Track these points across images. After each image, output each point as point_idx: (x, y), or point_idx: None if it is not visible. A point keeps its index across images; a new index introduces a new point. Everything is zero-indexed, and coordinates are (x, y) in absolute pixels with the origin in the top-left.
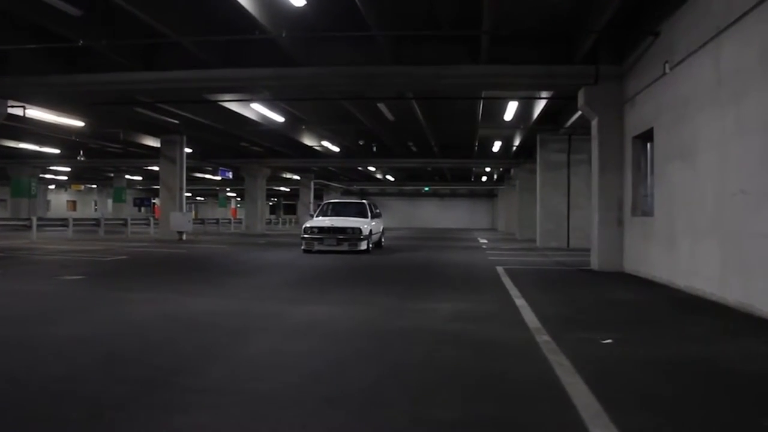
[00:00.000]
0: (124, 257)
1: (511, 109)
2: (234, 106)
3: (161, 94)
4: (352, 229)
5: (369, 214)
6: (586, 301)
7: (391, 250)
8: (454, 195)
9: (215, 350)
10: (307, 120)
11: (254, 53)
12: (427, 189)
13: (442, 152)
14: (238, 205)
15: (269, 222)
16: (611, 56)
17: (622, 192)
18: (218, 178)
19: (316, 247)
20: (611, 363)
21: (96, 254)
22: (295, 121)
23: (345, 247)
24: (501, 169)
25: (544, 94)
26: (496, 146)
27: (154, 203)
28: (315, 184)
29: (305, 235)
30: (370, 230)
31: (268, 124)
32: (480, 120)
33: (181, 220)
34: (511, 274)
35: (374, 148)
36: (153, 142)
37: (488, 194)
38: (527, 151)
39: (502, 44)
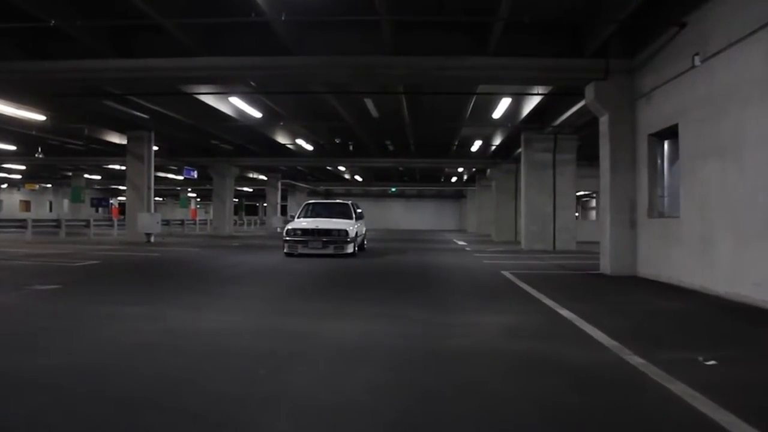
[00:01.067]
0: (95, 262)
1: (502, 106)
2: (211, 100)
3: (136, 85)
4: (338, 231)
5: (353, 215)
6: (634, 311)
7: (375, 253)
8: (420, 196)
9: (258, 389)
10: (285, 116)
11: (243, 39)
12: (393, 190)
13: (419, 152)
14: (198, 206)
15: (234, 223)
16: (622, 50)
17: (635, 192)
18: (180, 177)
19: (300, 250)
20: (746, 391)
21: (64, 259)
22: (272, 117)
23: (330, 250)
24: (474, 169)
25: (540, 89)
26: (476, 146)
27: (112, 204)
28: (281, 184)
29: (288, 238)
30: (356, 232)
31: (244, 120)
32: (467, 117)
33: (149, 221)
34: (525, 279)
35: (351, 147)
36: (118, 139)
37: (455, 195)
38: (505, 151)
39: (509, 35)
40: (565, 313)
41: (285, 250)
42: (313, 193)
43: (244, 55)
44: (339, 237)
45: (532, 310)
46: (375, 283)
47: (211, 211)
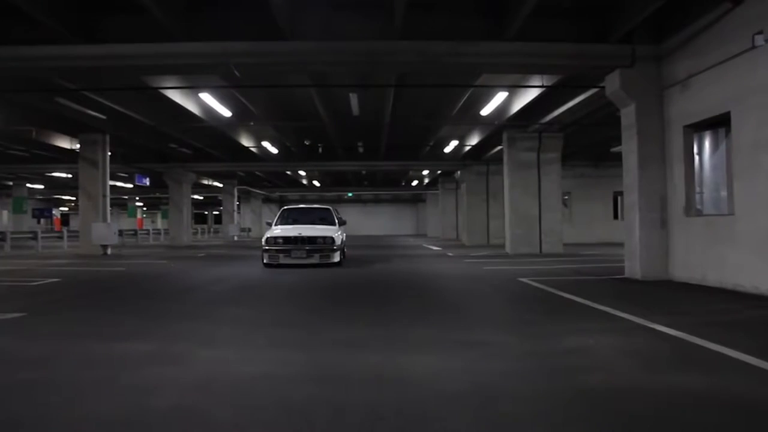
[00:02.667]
0: (56, 280)
1: (495, 102)
2: (178, 97)
3: (98, 77)
4: (323, 238)
5: (336, 221)
6: (741, 322)
7: (358, 262)
8: (377, 201)
9: None
10: (257, 115)
11: (229, 21)
12: (350, 194)
13: (388, 154)
14: (144, 215)
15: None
16: (648, 35)
17: (666, 189)
18: (129, 185)
19: (282, 260)
20: None
21: (16, 277)
22: (242, 117)
23: (316, 259)
24: (439, 172)
25: (545, 81)
26: (451, 146)
27: (54, 215)
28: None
29: (268, 247)
30: (342, 240)
31: (211, 120)
32: (454, 114)
33: (105, 231)
34: (557, 287)
35: (320, 149)
36: (68, 143)
37: (412, 200)
38: (477, 153)
39: (529, 19)
40: (664, 329)
41: (265, 261)
42: (267, 200)
43: (229, 39)
44: (325, 245)
45: (618, 327)
46: (395, 298)
47: (158, 221)
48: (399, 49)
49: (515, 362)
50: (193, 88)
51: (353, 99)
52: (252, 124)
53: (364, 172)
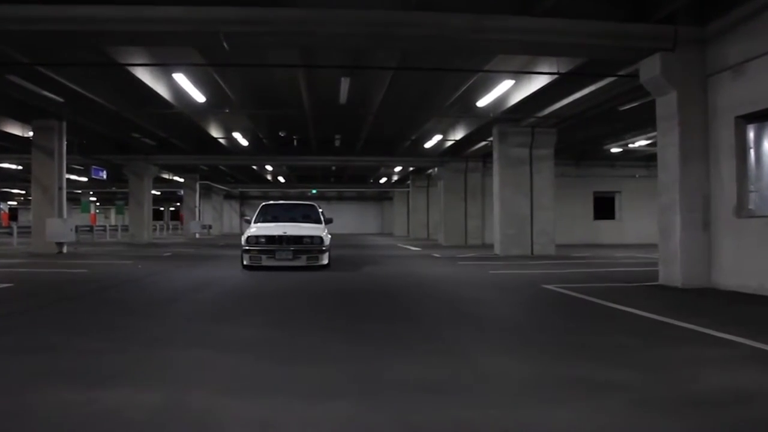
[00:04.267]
0: (7, 285)
1: (498, 91)
2: (148, 77)
3: (55, 49)
4: (311, 238)
5: (322, 219)
6: None
7: (344, 264)
8: (341, 198)
9: None
10: (233, 101)
11: None
12: (314, 191)
13: (366, 148)
14: (98, 211)
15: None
16: (692, 16)
17: (710, 187)
18: (83, 179)
19: (265, 262)
20: None
21: None
22: (217, 103)
23: (302, 261)
24: (411, 169)
25: (561, 68)
26: (433, 141)
27: (2, 209)
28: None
29: (249, 247)
30: (329, 240)
31: (180, 107)
32: (448, 105)
33: (61, 228)
34: (603, 296)
35: (295, 142)
36: (19, 130)
37: (377, 197)
38: (455, 149)
39: None
40: None
41: (245, 262)
42: (228, 197)
43: (221, 3)
44: (312, 246)
45: (741, 354)
46: (417, 311)
47: (112, 216)
48: (415, 20)
49: (680, 419)
50: (166, 65)
51: (344, 84)
52: (227, 111)
53: (334, 168)
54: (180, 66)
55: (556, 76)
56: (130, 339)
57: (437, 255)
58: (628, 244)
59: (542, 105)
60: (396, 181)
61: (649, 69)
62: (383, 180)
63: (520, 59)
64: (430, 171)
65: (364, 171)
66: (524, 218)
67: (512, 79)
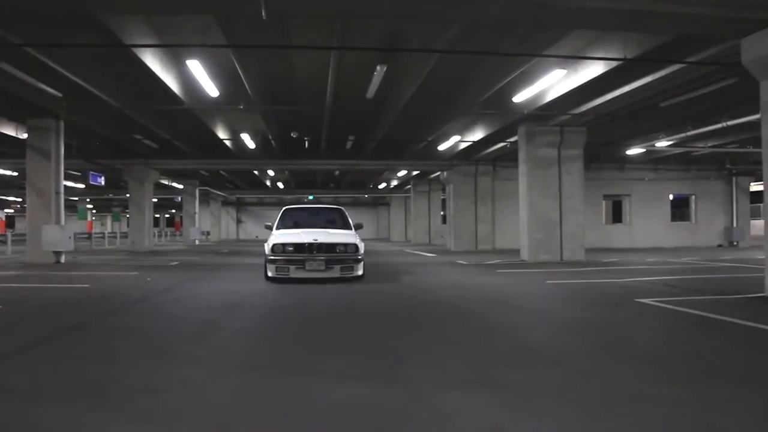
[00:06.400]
0: None
1: (544, 83)
2: (157, 66)
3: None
4: (345, 246)
5: (351, 225)
6: None
7: (371, 273)
8: (337, 204)
9: None
10: (250, 94)
11: None
12: (311, 197)
13: (376, 152)
14: (94, 218)
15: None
16: None
17: None
18: (81, 186)
19: (293, 273)
20: None
21: None
22: (231, 98)
23: (336, 272)
24: (414, 173)
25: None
26: (450, 142)
27: None
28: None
29: (274, 257)
30: (363, 248)
31: (190, 103)
32: (482, 100)
33: (59, 235)
34: (729, 313)
35: (306, 144)
36: (12, 131)
37: (373, 203)
38: (466, 152)
39: None
40: None
41: (270, 274)
42: (226, 203)
43: None
44: (347, 255)
45: None
46: (535, 346)
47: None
48: None
49: None
50: (181, 47)
51: (378, 74)
52: (240, 107)
53: (338, 172)
54: (195, 52)
55: (608, 67)
56: (164, 407)
57: (463, 262)
58: (639, 248)
59: (582, 100)
60: (394, 186)
61: (757, 47)
62: (382, 185)
63: (573, 45)
64: (434, 175)
65: (367, 176)
66: (553, 222)
67: (563, 68)
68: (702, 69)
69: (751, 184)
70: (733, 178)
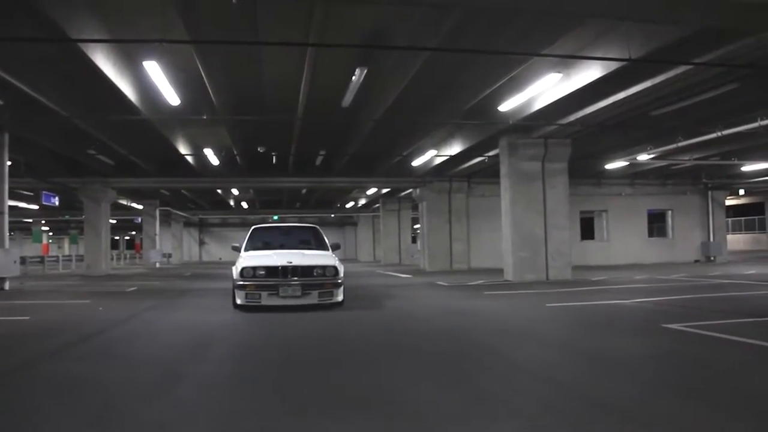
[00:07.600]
0: None
1: (538, 87)
2: (110, 70)
3: None
4: (323, 268)
5: (327, 245)
6: None
7: (355, 300)
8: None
9: None
10: (214, 104)
11: None
12: (276, 218)
13: (347, 168)
14: (50, 241)
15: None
16: None
17: None
18: (34, 207)
19: (265, 300)
20: None
21: None
22: (192, 107)
23: (314, 299)
24: (384, 191)
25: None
26: (426, 157)
27: None
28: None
29: (243, 281)
30: (343, 270)
31: (147, 112)
32: (467, 109)
33: (2, 260)
34: None
35: (273, 159)
36: None
37: (339, 223)
38: (439, 168)
39: None
40: None
41: (239, 301)
42: (188, 224)
43: None
44: (325, 278)
45: None
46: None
47: (65, 246)
48: None
49: None
50: (138, 42)
51: (357, 78)
52: (204, 117)
53: (305, 191)
54: (153, 51)
55: (606, 71)
56: None
57: (443, 283)
58: (617, 265)
59: (571, 109)
60: (362, 205)
61: None
62: (350, 204)
63: (573, 45)
64: (404, 193)
65: (335, 194)
66: (538, 239)
67: (558, 71)
68: (703, 73)
69: (727, 198)
70: (709, 192)
